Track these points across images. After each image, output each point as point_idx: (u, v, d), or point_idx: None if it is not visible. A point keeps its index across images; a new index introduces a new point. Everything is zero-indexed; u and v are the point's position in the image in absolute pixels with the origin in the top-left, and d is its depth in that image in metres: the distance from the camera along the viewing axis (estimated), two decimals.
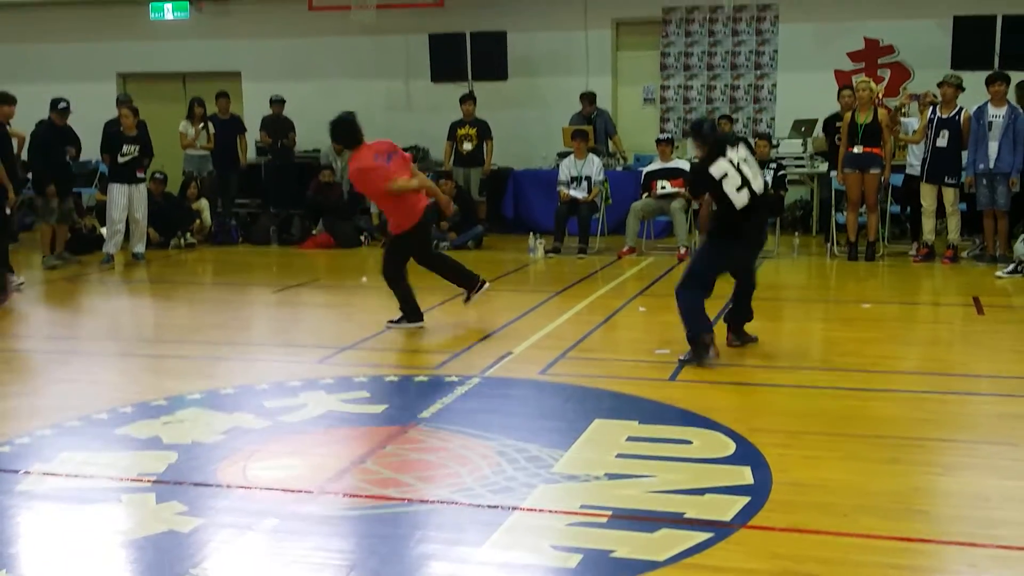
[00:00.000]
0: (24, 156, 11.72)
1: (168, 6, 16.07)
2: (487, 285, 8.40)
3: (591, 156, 12.45)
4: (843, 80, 13.36)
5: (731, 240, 6.88)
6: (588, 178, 12.27)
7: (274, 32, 15.87)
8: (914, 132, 11.45)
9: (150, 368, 7.20)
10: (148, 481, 4.77)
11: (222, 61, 16.04)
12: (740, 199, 6.70)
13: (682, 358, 6.77)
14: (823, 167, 12.50)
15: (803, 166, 12.99)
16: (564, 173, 12.44)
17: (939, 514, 4.39)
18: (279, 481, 4.82)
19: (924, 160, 11.02)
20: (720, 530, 4.12)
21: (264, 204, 14.66)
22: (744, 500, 4.42)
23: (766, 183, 7.16)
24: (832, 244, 11.69)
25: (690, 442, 5.22)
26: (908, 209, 11.93)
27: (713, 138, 6.91)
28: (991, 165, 10.56)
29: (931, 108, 11.06)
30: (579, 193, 12.23)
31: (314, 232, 13.49)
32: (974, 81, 11.18)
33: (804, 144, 13.06)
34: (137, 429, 5.56)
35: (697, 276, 6.87)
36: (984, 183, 10.66)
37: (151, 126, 14.08)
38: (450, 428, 5.49)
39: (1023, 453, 5.07)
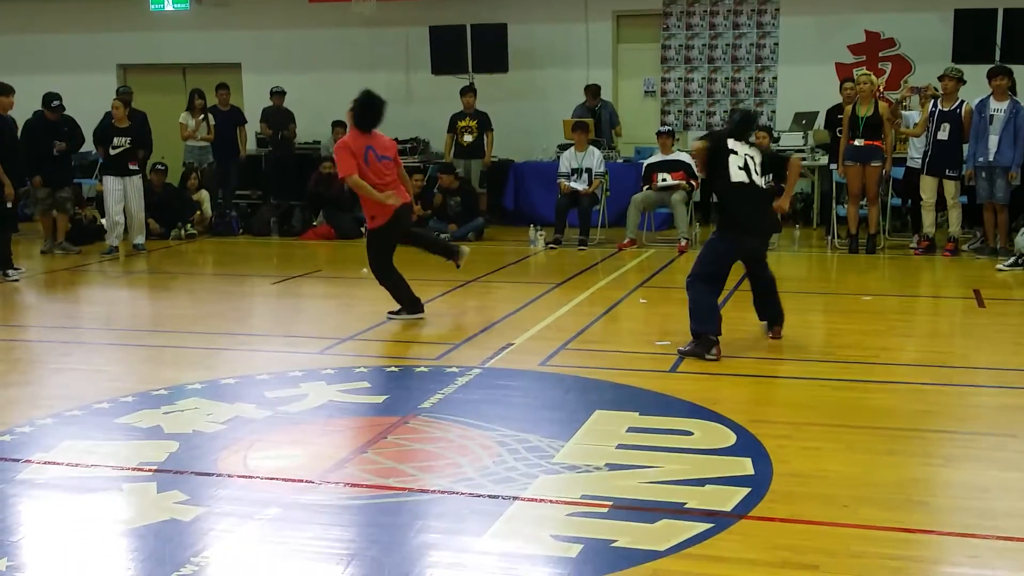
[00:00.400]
0: None
1: None
2: (466, 251, 8.54)
3: (591, 148, 12.44)
4: (844, 73, 13.35)
5: (739, 232, 6.90)
6: (588, 170, 12.26)
7: (274, 24, 15.86)
8: (915, 125, 11.44)
9: (151, 358, 7.21)
10: (149, 470, 4.78)
11: (222, 53, 16.02)
12: (738, 176, 6.80)
13: (681, 349, 6.79)
14: (824, 160, 12.49)
15: (804, 159, 12.97)
16: (564, 165, 12.43)
17: (939, 505, 4.40)
18: (280, 470, 4.82)
19: (925, 153, 11.01)
20: (721, 520, 4.12)
21: (264, 195, 14.67)
22: (745, 491, 4.43)
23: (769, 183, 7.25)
24: (833, 236, 11.69)
25: (691, 433, 5.23)
26: (909, 202, 11.93)
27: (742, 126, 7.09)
28: (991, 158, 10.55)
29: (932, 101, 11.06)
30: (579, 185, 12.22)
31: (314, 223, 13.49)
32: (975, 75, 11.17)
33: (805, 137, 13.05)
34: (138, 418, 5.57)
35: (706, 270, 6.90)
36: (984, 176, 10.66)
37: (151, 117, 14.09)
38: (451, 418, 5.50)
39: (1023, 444, 5.08)
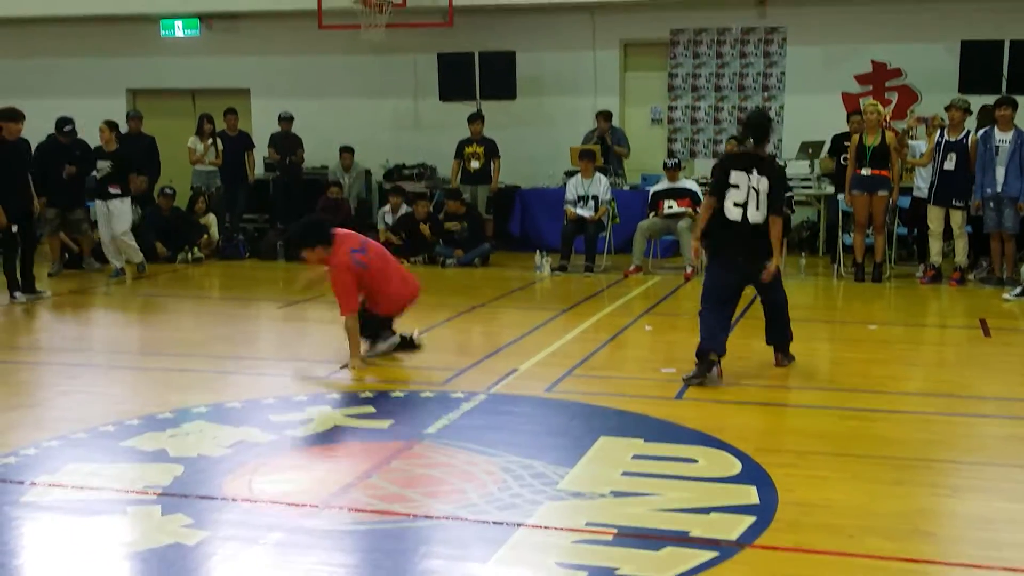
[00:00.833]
0: None
1: (179, 23, 16.15)
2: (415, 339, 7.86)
3: (598, 175, 12.47)
4: (851, 103, 13.41)
5: (723, 259, 6.95)
6: (595, 197, 12.29)
7: (283, 50, 15.96)
8: (921, 155, 11.46)
9: (157, 381, 7.21)
10: (154, 494, 4.78)
11: (231, 78, 16.13)
12: (732, 213, 6.82)
13: (685, 377, 6.78)
14: (830, 189, 12.51)
15: (810, 187, 13.01)
16: (571, 192, 12.46)
17: (945, 535, 4.38)
18: (285, 495, 4.81)
19: (932, 183, 11.03)
20: (725, 549, 4.11)
21: (272, 220, 14.71)
22: (750, 519, 4.41)
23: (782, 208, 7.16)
24: (839, 265, 11.69)
25: (696, 461, 5.22)
26: (915, 231, 11.94)
27: (756, 143, 7.04)
28: (998, 189, 10.56)
29: (939, 131, 11.09)
30: (586, 212, 12.25)
31: None
32: (982, 105, 11.22)
33: (811, 166, 13.08)
34: (143, 442, 5.57)
35: (708, 292, 6.98)
36: (991, 206, 10.66)
37: (160, 142, 14.22)
38: (456, 444, 5.49)
39: None
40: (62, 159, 11.92)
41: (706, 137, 14.87)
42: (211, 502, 4.69)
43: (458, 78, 14.49)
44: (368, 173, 15.16)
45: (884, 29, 13.96)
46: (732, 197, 6.83)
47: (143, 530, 4.38)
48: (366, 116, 15.62)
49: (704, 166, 14.69)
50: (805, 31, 14.29)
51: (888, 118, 12.75)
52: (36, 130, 11.78)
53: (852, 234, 11.44)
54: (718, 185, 6.94)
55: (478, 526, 4.38)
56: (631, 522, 4.39)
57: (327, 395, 6.56)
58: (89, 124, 12.68)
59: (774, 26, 14.46)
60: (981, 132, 10.80)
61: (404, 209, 13.33)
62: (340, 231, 7.41)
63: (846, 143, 11.66)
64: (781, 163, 12.96)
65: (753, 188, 6.82)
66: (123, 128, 13.77)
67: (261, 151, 14.88)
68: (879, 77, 14.16)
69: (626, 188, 13.66)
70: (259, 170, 14.94)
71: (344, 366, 7.25)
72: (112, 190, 11.80)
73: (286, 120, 14.65)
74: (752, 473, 5.01)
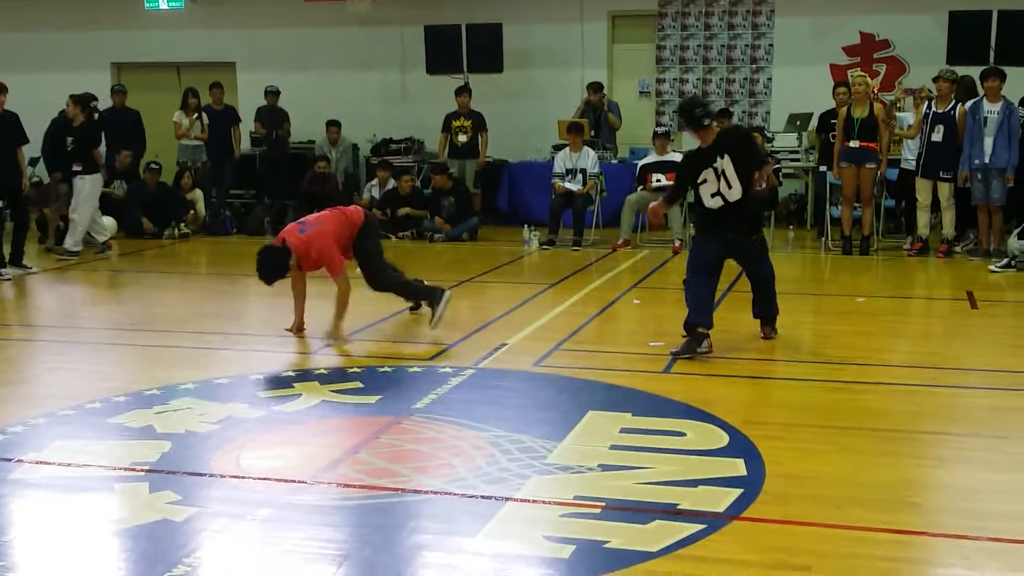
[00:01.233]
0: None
1: None
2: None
3: (586, 149, 12.44)
4: (839, 74, 13.38)
5: (708, 235, 7.02)
6: (583, 171, 12.26)
7: (269, 22, 15.84)
8: (909, 127, 11.46)
9: (144, 357, 7.19)
10: (141, 470, 4.77)
11: (217, 51, 16.00)
12: (712, 203, 6.89)
13: (673, 351, 6.79)
14: (817, 161, 12.51)
15: (798, 160, 13.00)
16: (559, 166, 12.43)
17: (931, 506, 4.41)
18: (273, 471, 4.82)
19: (919, 155, 11.03)
20: (713, 521, 4.13)
21: (258, 195, 14.64)
22: (737, 492, 4.43)
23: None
24: (826, 238, 11.70)
25: (684, 434, 5.23)
26: (903, 203, 11.95)
27: (710, 134, 6.96)
28: (987, 160, 10.57)
29: (926, 103, 11.08)
30: (574, 186, 12.22)
31: None
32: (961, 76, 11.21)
33: (799, 138, 13.06)
34: (131, 418, 5.56)
35: (695, 262, 7.03)
36: (979, 178, 10.68)
37: (145, 116, 14.11)
38: (444, 419, 5.49)
39: (1015, 446, 5.10)
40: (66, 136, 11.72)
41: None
42: (199, 478, 4.68)
43: (445, 51, 14.40)
44: (355, 147, 15.09)
45: (872, 0, 13.92)
46: (706, 190, 6.89)
47: (131, 507, 4.38)
48: (353, 89, 15.54)
49: (691, 140, 14.65)
50: (793, 2, 14.24)
51: (876, 90, 12.73)
52: (20, 106, 11.64)
53: (840, 206, 11.45)
54: (685, 184, 7.13)
55: (467, 500, 4.39)
56: (619, 495, 4.41)
57: (315, 371, 6.56)
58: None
59: None
60: (970, 103, 10.80)
61: (391, 184, 13.30)
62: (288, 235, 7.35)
63: (833, 120, 11.64)
64: (756, 127, 12.99)
65: (720, 173, 6.83)
66: (108, 102, 13.72)
67: (247, 125, 14.79)
68: (867, 49, 14.13)
69: (614, 161, 13.63)
70: (245, 145, 14.86)
71: (327, 342, 7.27)
72: (75, 167, 11.52)
73: (272, 94, 14.55)
74: (739, 446, 5.03)
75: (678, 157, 12.22)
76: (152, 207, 13.07)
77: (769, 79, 14.50)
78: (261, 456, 5.04)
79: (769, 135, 13.00)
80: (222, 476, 4.73)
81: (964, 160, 10.76)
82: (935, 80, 10.98)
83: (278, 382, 6.30)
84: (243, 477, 4.74)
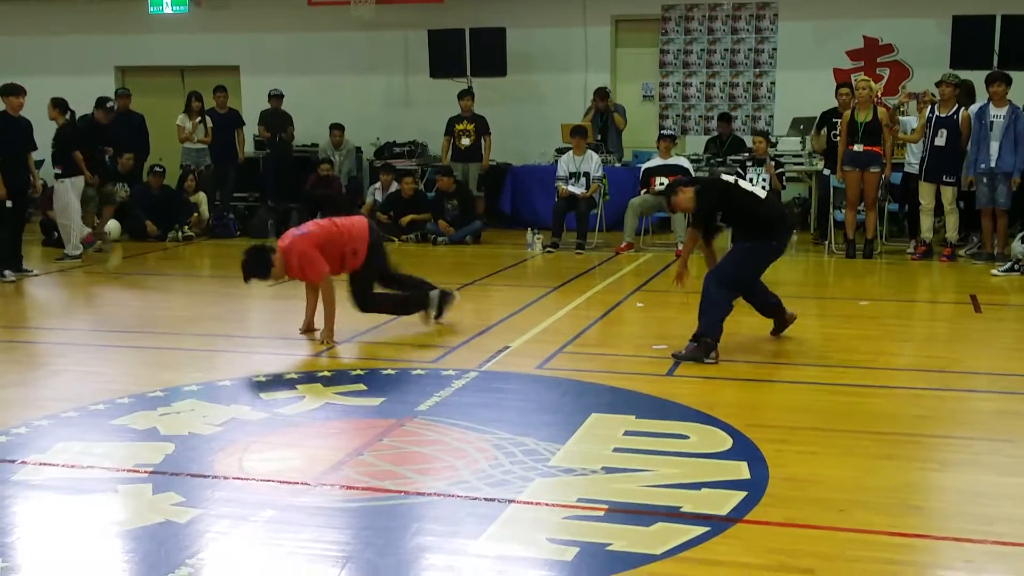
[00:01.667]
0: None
1: (167, 0, 16.02)
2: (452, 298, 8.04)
3: (589, 152, 12.45)
4: (842, 78, 13.36)
5: (771, 238, 7.01)
6: (586, 174, 12.27)
7: (273, 26, 15.87)
8: (912, 131, 11.45)
9: (147, 359, 7.19)
10: (145, 472, 4.77)
11: (221, 55, 16.03)
12: (758, 191, 7.03)
13: (676, 354, 6.77)
14: (821, 165, 12.50)
15: (801, 164, 12.99)
16: (562, 169, 12.43)
17: (935, 510, 4.40)
18: (276, 472, 4.81)
19: (922, 159, 11.03)
20: (717, 524, 4.12)
21: (262, 198, 14.66)
22: (741, 495, 4.42)
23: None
24: (830, 242, 11.69)
25: (687, 437, 5.22)
26: (906, 207, 11.94)
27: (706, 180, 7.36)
28: (992, 164, 10.57)
29: (929, 107, 11.08)
30: (577, 189, 12.22)
31: None
32: (975, 82, 11.20)
33: (803, 142, 13.06)
34: (134, 420, 5.56)
35: (736, 278, 6.95)
36: (984, 182, 10.67)
37: (149, 119, 14.15)
38: (447, 421, 5.49)
39: (1019, 450, 5.09)
40: (98, 139, 12.04)
41: (697, 114, 14.84)
42: (202, 480, 4.68)
43: (448, 55, 14.42)
44: (359, 151, 15.11)
45: (875, 4, 13.93)
46: (744, 185, 7.14)
47: (134, 508, 4.38)
48: (356, 93, 15.57)
49: (695, 143, 14.69)
50: (796, 6, 14.24)
51: (880, 94, 12.74)
52: (32, 109, 11.63)
53: (843, 210, 11.44)
54: (726, 193, 7.10)
55: (470, 503, 4.39)
56: (622, 498, 4.40)
57: (318, 373, 6.56)
58: (80, 102, 12.59)
59: (765, 1, 14.41)
60: (976, 108, 10.80)
61: (395, 187, 13.31)
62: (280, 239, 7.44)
63: (835, 119, 11.64)
64: (760, 131, 13.00)
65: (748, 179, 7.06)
66: (113, 105, 13.74)
67: (251, 129, 14.81)
68: (871, 53, 14.13)
69: (617, 165, 13.64)
70: (249, 148, 14.88)
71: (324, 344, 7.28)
72: (55, 170, 11.52)
73: (276, 97, 14.58)
74: (743, 449, 5.02)
75: (682, 161, 12.28)
76: (156, 210, 13.09)
77: (773, 83, 14.50)
78: (264, 458, 5.04)
79: (773, 139, 12.99)
80: (225, 478, 4.73)
81: (970, 164, 10.76)
82: (938, 84, 10.98)
83: (281, 384, 6.30)
84: (246, 479, 4.74)
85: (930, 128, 10.88)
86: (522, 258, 11.75)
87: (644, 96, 15.22)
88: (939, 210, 11.13)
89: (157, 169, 13.26)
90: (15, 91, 10.53)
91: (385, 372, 6.61)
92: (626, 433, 5.29)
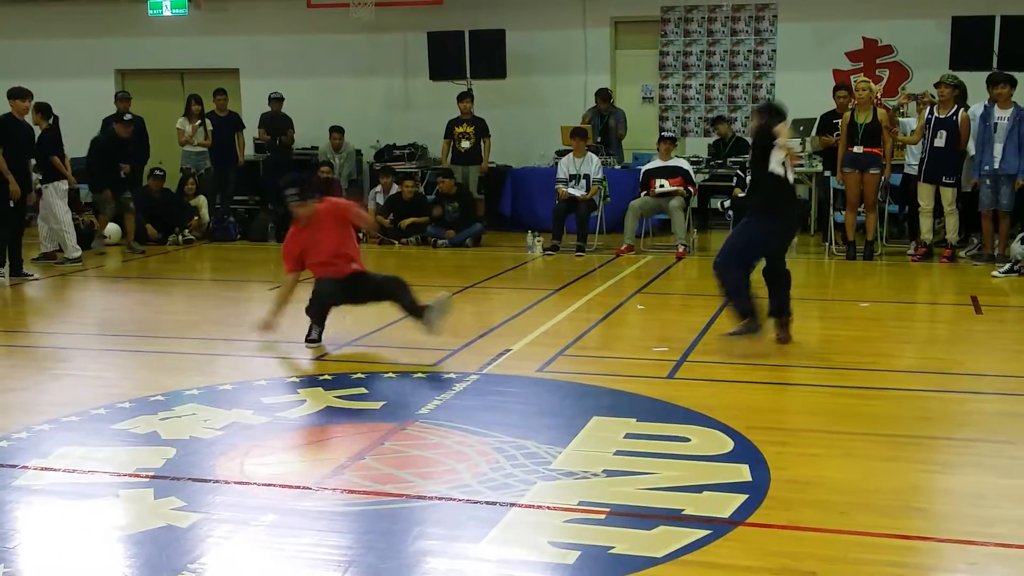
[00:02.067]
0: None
1: (167, 3, 16.00)
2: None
3: (589, 154, 12.45)
4: (841, 80, 13.37)
5: (776, 217, 7.05)
6: (586, 176, 12.26)
7: (273, 29, 15.87)
8: (912, 132, 11.45)
9: (148, 364, 7.19)
10: (146, 476, 4.77)
11: (220, 58, 16.04)
12: (775, 167, 6.99)
13: (731, 332, 6.93)
14: (820, 166, 12.51)
15: (801, 165, 12.98)
16: (562, 171, 12.43)
17: (937, 512, 4.40)
18: (277, 477, 4.81)
19: (921, 160, 11.03)
20: (718, 527, 4.12)
21: (262, 201, 14.65)
22: (742, 497, 4.42)
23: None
24: (830, 243, 11.69)
25: (688, 439, 5.22)
26: (906, 208, 11.94)
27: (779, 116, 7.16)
28: (996, 166, 10.57)
29: (929, 108, 11.07)
30: (577, 191, 12.22)
31: None
32: (975, 83, 11.20)
33: (802, 143, 13.04)
34: (135, 424, 5.56)
35: (740, 253, 7.04)
36: (988, 184, 10.67)
37: (149, 123, 14.15)
38: (448, 425, 5.49)
39: (1021, 451, 5.09)
40: (118, 155, 12.32)
41: (697, 115, 14.84)
42: (204, 484, 4.68)
43: (448, 57, 14.42)
44: (359, 153, 15.11)
45: (875, 5, 13.93)
46: (776, 157, 7.00)
47: (136, 513, 4.38)
48: (356, 96, 15.57)
49: (695, 145, 14.69)
50: (796, 8, 14.25)
51: (879, 95, 12.74)
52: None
53: (843, 212, 11.44)
54: (766, 138, 7.07)
55: (471, 506, 4.39)
56: (624, 501, 4.40)
57: (319, 377, 6.56)
58: (80, 105, 12.62)
59: (765, 3, 14.41)
60: (979, 109, 10.80)
61: (395, 189, 13.31)
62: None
63: (835, 120, 11.63)
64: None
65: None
66: (111, 109, 13.74)
67: (251, 132, 14.81)
68: (870, 54, 14.13)
69: (618, 167, 13.64)
70: (249, 151, 14.88)
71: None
72: (37, 175, 11.38)
73: (276, 100, 14.57)
74: (744, 451, 5.02)
75: (682, 162, 12.28)
76: (156, 213, 13.09)
77: (772, 84, 14.50)
78: (266, 462, 5.04)
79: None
80: (227, 482, 4.73)
81: (976, 167, 10.76)
82: (936, 85, 10.97)
83: (282, 388, 6.30)
84: (248, 483, 4.73)
85: (929, 129, 10.87)
86: (522, 260, 11.75)
87: (644, 98, 15.22)
88: (939, 211, 11.13)
89: (157, 172, 13.26)
90: (22, 95, 10.56)
91: (386, 376, 6.61)
92: (627, 436, 5.29)
